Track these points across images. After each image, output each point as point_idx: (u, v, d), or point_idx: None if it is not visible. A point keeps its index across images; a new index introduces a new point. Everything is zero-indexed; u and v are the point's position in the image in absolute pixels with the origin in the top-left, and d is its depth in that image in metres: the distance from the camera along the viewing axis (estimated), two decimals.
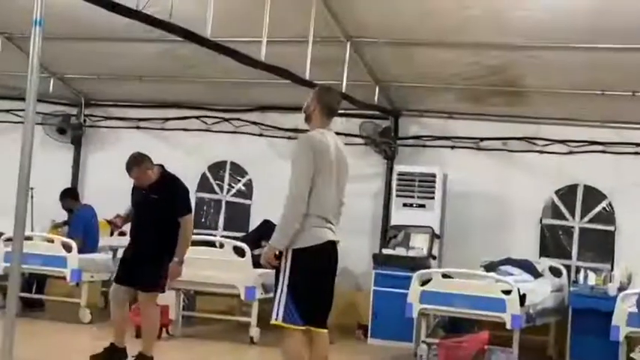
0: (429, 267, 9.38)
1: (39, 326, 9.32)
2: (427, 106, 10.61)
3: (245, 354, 8.92)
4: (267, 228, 8.86)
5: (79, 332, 9.28)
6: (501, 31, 8.52)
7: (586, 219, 10.14)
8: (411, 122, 10.84)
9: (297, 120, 9.80)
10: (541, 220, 10.25)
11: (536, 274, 9.41)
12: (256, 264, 7.95)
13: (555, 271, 9.82)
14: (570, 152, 10.14)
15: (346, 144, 5.73)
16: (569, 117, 10.04)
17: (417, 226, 9.88)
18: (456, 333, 8.73)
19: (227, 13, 7.74)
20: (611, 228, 9.99)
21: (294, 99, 8.70)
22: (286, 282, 5.26)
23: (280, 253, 5.28)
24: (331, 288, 5.50)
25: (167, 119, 11.65)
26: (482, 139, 10.44)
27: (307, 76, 8.27)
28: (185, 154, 11.24)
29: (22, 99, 5.09)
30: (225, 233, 11.03)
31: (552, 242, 10.27)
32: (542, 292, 8.93)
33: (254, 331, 8.95)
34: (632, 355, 8.11)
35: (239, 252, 9.11)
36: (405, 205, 10.08)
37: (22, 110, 5.25)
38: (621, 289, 8.55)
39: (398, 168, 10.32)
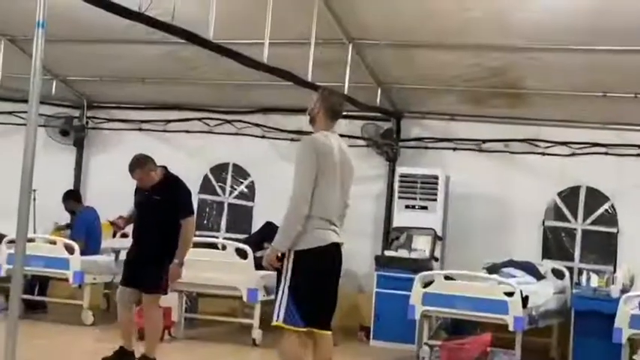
0: (431, 269, 9.37)
1: (41, 328, 9.30)
2: (429, 107, 10.61)
3: (247, 356, 8.91)
4: (269, 230, 8.84)
5: (82, 334, 9.28)
6: (502, 32, 8.52)
7: (588, 221, 10.12)
8: (413, 124, 10.84)
9: (299, 122, 9.86)
10: (543, 222, 10.23)
11: (539, 276, 9.40)
12: (259, 266, 7.94)
13: (558, 273, 9.81)
14: (572, 154, 10.13)
15: (348, 146, 5.73)
16: (570, 119, 10.03)
17: (420, 227, 9.87)
18: (459, 335, 8.74)
19: (229, 15, 7.74)
20: (614, 230, 9.97)
21: (297, 101, 8.76)
22: (288, 283, 5.25)
23: (283, 255, 5.28)
24: (335, 290, 5.49)
25: (169, 121, 11.63)
26: (483, 141, 10.44)
27: (309, 78, 8.27)
28: (187, 156, 11.24)
29: (25, 101, 5.08)
30: (228, 235, 11.03)
31: (555, 244, 10.26)
32: (544, 294, 8.94)
33: (256, 333, 8.95)
34: (634, 357, 8.10)
35: (241, 254, 9.10)
36: (407, 206, 10.06)
37: (25, 112, 5.25)
38: (624, 291, 8.55)
39: (400, 170, 10.30)
